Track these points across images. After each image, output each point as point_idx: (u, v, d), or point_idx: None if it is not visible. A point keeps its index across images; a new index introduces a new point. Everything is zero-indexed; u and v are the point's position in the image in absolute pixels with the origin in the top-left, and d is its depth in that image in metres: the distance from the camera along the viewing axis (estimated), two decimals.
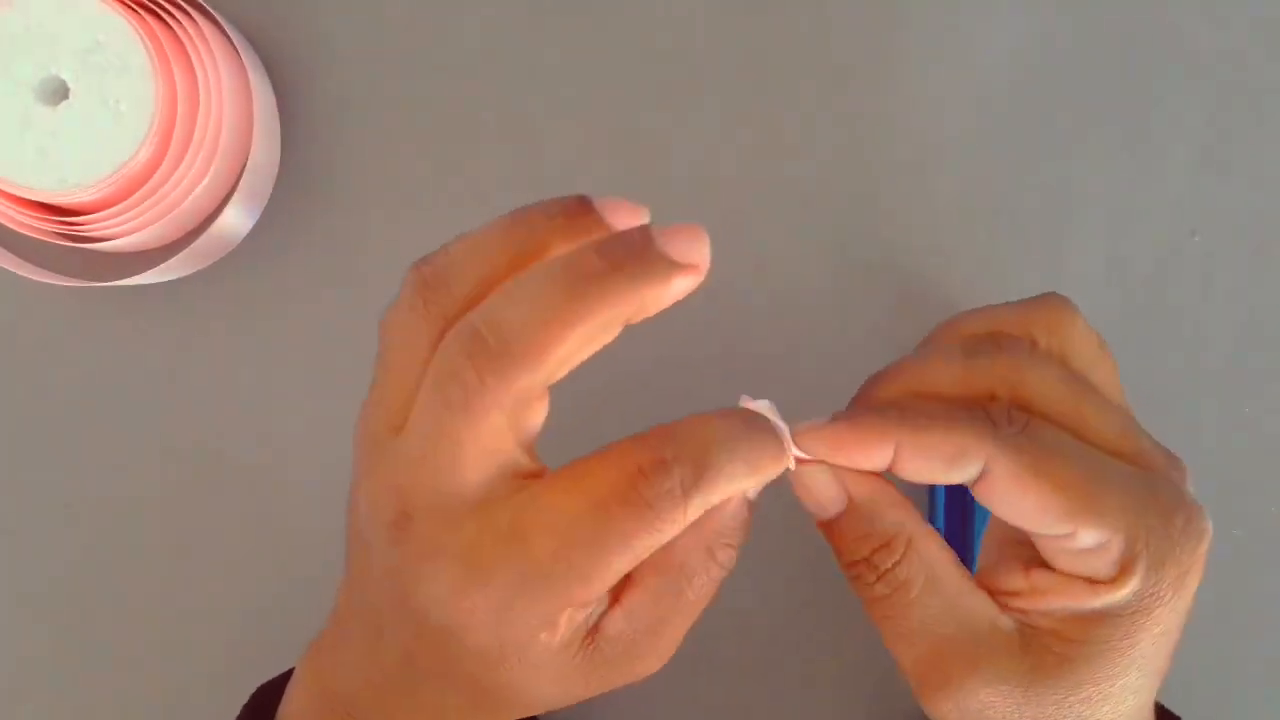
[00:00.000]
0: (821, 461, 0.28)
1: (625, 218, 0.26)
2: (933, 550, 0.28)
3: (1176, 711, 0.39)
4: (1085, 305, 0.44)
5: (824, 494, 0.28)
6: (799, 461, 0.28)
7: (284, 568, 0.44)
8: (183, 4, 0.41)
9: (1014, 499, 0.26)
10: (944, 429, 0.26)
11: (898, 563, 0.28)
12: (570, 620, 0.26)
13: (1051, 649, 0.28)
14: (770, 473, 0.27)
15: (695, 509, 0.25)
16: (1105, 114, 0.44)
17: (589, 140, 0.44)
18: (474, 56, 0.44)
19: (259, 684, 0.39)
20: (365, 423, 0.27)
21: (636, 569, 0.26)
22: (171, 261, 0.41)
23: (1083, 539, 0.26)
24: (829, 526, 0.29)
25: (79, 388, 0.44)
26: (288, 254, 0.44)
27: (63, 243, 0.42)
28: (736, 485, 0.26)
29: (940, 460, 0.27)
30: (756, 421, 0.27)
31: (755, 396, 0.28)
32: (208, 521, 0.44)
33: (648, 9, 0.44)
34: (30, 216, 0.40)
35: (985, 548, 0.32)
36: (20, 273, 0.42)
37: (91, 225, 0.40)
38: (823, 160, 0.44)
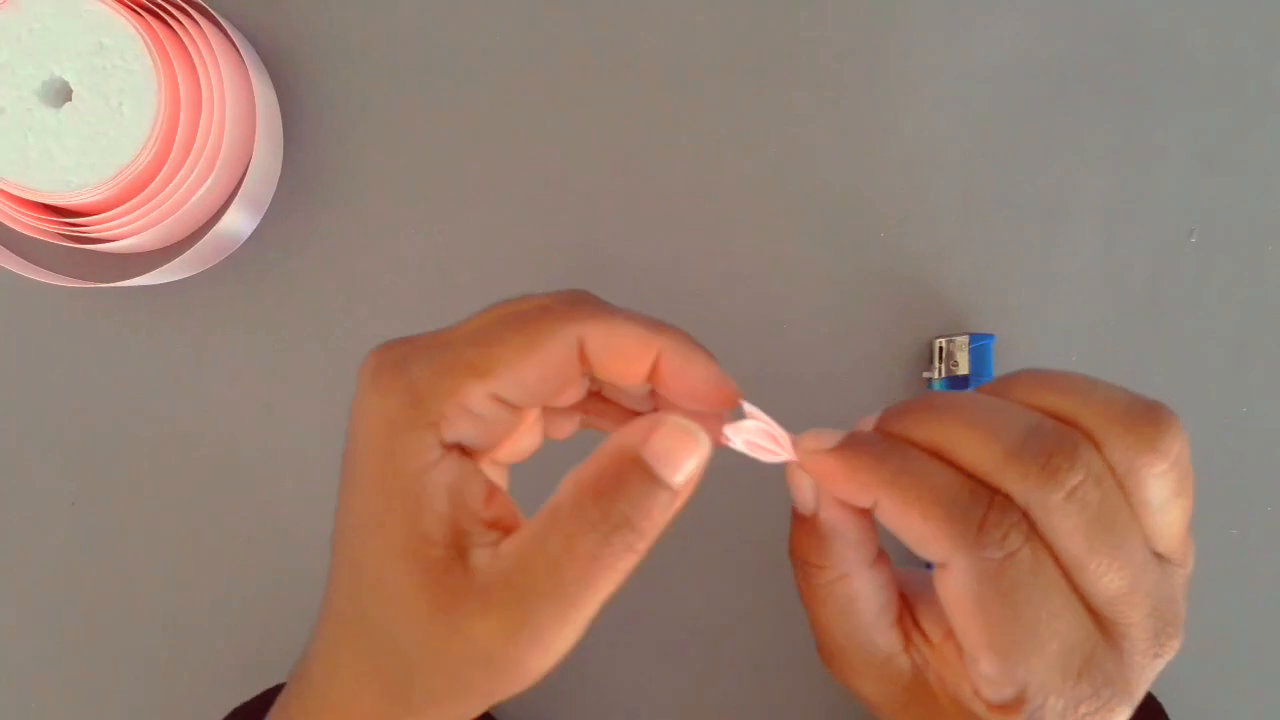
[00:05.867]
0: None
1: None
2: (862, 588, 0.29)
3: (1173, 710, 0.39)
4: (1083, 306, 0.44)
5: (801, 498, 0.29)
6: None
7: (284, 566, 0.44)
8: (186, 6, 0.42)
9: (951, 608, 0.26)
10: (925, 514, 0.26)
11: (826, 582, 0.29)
12: (465, 420, 0.26)
13: (929, 713, 0.29)
14: (636, 354, 0.27)
15: (585, 331, 0.26)
16: (1102, 116, 0.45)
17: (589, 142, 0.44)
18: (475, 59, 0.45)
19: (253, 683, 0.39)
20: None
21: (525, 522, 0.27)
22: (174, 263, 0.42)
23: (982, 668, 0.27)
24: (794, 516, 0.30)
25: (82, 388, 0.44)
26: (290, 256, 0.44)
27: (65, 244, 0.42)
28: (626, 333, 0.27)
29: (908, 536, 0.27)
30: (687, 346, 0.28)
31: (751, 396, 0.29)
32: (210, 520, 0.44)
33: (647, 10, 0.44)
34: (33, 218, 0.41)
35: None
36: (23, 274, 0.42)
37: (94, 227, 0.40)
38: (822, 162, 0.44)
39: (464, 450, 0.27)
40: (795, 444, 0.28)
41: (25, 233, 0.41)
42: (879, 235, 0.44)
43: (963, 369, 0.42)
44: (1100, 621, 0.26)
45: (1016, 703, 0.26)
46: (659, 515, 0.26)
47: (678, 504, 0.26)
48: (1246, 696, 0.44)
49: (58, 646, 0.44)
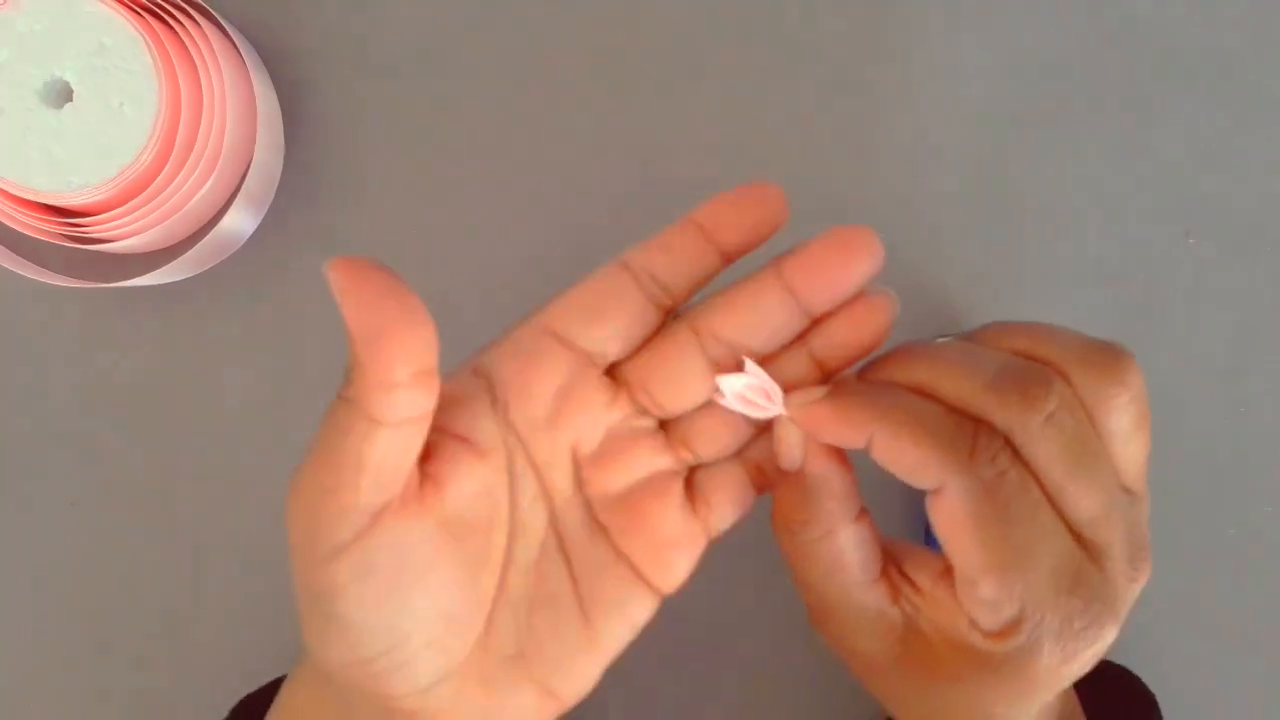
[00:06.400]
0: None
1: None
2: (847, 543, 0.30)
3: (1172, 708, 0.39)
4: (1081, 307, 0.44)
5: (787, 452, 0.29)
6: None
7: (284, 565, 0.44)
8: (186, 7, 0.42)
9: (948, 532, 0.27)
10: (917, 441, 0.27)
11: (811, 540, 0.29)
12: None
13: (925, 659, 0.29)
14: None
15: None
16: (1102, 116, 0.45)
17: (589, 142, 0.44)
18: (475, 59, 0.45)
19: (253, 682, 0.39)
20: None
21: None
22: (175, 263, 0.42)
23: (982, 591, 0.27)
24: (780, 474, 0.30)
25: (82, 388, 0.44)
26: (290, 256, 0.44)
27: (66, 244, 0.42)
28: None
29: (904, 466, 0.27)
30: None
31: None
32: (210, 520, 0.44)
33: (647, 10, 0.45)
34: (34, 218, 0.41)
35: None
36: (24, 274, 0.42)
37: (95, 227, 0.40)
38: (822, 160, 0.44)
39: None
40: (785, 401, 0.29)
41: (25, 233, 0.41)
42: (878, 235, 0.44)
43: None
44: (1082, 543, 0.27)
45: (1015, 624, 0.27)
46: None
47: None
48: (1247, 696, 0.45)
49: (58, 646, 0.44)
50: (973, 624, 0.28)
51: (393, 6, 0.45)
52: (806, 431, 0.29)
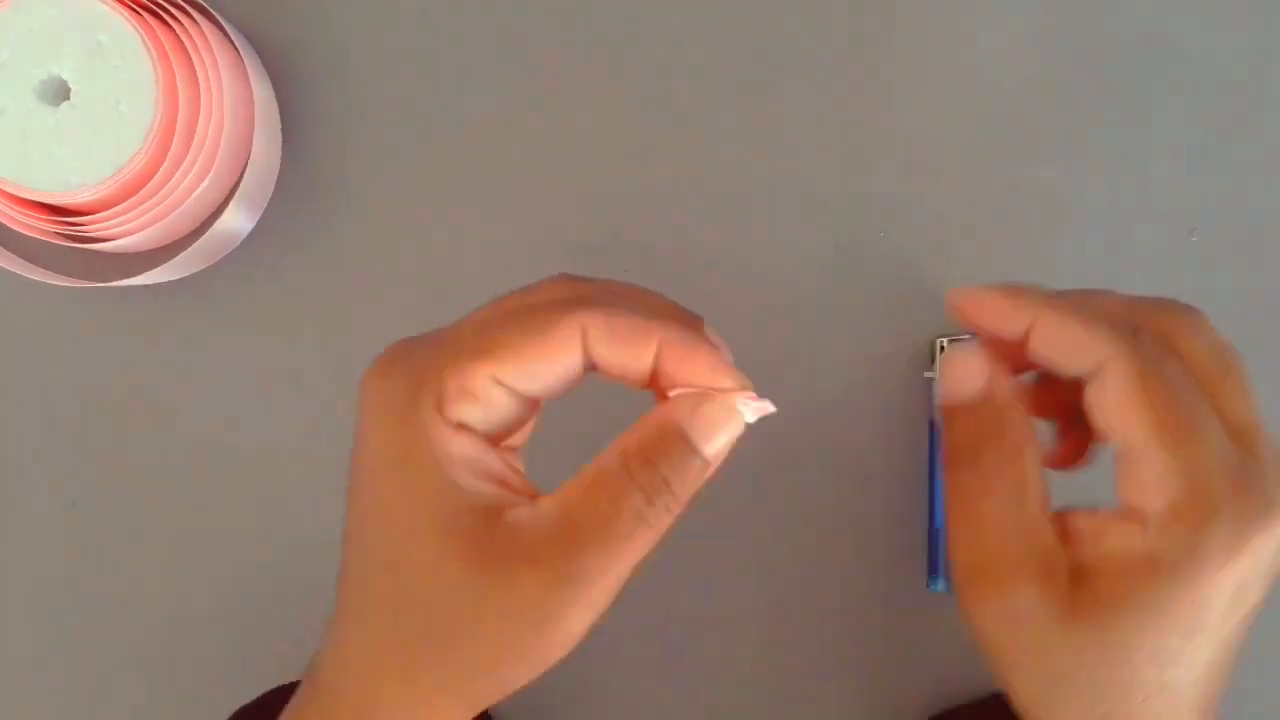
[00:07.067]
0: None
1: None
2: (1032, 468, 0.29)
3: None
4: None
5: (965, 375, 0.29)
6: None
7: (284, 565, 0.44)
8: (184, 5, 0.42)
9: (1114, 409, 0.27)
10: (1084, 321, 0.28)
11: (1000, 463, 0.29)
12: (468, 402, 0.26)
13: (1095, 599, 0.28)
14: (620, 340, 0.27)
15: (587, 319, 0.27)
16: (1104, 114, 0.45)
17: (590, 142, 0.44)
18: (473, 59, 0.45)
19: (253, 682, 0.39)
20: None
21: (564, 484, 0.27)
22: (173, 262, 0.42)
23: (1151, 463, 0.27)
24: (950, 411, 0.30)
25: (81, 387, 0.44)
26: (288, 254, 0.44)
27: (64, 243, 0.42)
28: (627, 324, 0.27)
29: (1066, 345, 0.28)
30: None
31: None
32: (208, 519, 0.44)
33: (647, 11, 0.44)
34: (32, 217, 0.41)
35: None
36: (22, 273, 0.42)
37: (93, 226, 0.40)
38: (823, 160, 0.44)
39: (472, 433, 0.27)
40: (950, 294, 0.29)
41: (25, 233, 0.41)
42: (879, 235, 0.44)
43: None
44: (1240, 442, 0.28)
45: (1180, 506, 0.27)
46: (694, 482, 0.27)
47: (708, 473, 0.28)
48: (1248, 695, 0.44)
49: (58, 646, 0.44)
50: (1141, 527, 0.27)
51: (392, 7, 0.44)
52: (968, 314, 0.29)
